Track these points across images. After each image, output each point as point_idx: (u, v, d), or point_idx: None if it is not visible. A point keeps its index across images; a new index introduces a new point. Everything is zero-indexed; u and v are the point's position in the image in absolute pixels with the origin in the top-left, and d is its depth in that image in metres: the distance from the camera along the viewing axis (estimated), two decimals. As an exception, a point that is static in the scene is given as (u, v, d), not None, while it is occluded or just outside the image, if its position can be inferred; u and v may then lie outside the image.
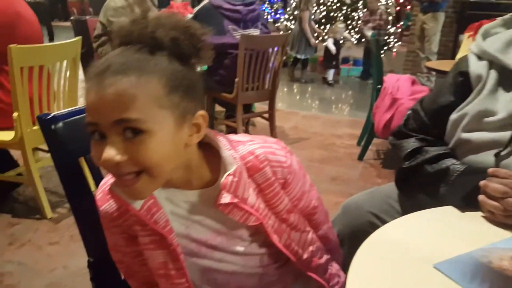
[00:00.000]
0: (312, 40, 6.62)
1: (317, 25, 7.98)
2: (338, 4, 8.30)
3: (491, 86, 1.01)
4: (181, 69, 0.66)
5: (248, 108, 3.69)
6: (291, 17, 8.39)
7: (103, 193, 0.78)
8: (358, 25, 7.99)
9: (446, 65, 3.34)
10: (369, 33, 6.81)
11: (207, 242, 0.82)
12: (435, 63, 4.05)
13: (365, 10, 7.80)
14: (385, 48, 8.08)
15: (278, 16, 9.08)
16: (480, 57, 1.07)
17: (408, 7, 8.77)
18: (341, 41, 6.99)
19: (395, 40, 8.48)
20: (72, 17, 5.64)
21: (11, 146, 2.27)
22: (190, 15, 3.58)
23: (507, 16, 1.10)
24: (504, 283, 0.69)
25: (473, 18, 3.58)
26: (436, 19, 5.98)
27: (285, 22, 8.65)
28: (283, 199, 0.82)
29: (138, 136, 0.62)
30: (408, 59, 7.13)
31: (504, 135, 0.97)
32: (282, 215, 0.83)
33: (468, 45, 3.02)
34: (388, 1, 8.33)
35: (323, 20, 8.35)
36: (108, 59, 0.63)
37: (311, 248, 0.90)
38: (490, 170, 0.90)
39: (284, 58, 3.45)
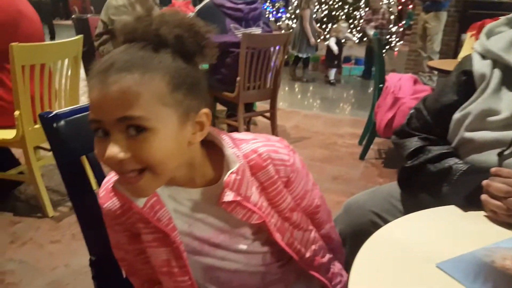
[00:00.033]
0: (312, 40, 6.61)
1: (318, 24, 7.97)
2: (340, 3, 8.29)
3: (495, 85, 1.01)
4: (184, 67, 0.66)
5: (249, 107, 3.69)
6: (293, 16, 8.39)
7: (106, 190, 0.78)
8: (360, 24, 7.98)
9: (448, 65, 3.33)
10: (371, 32, 6.80)
11: (210, 240, 0.82)
12: (437, 63, 4.04)
13: (367, 9, 7.79)
14: (387, 47, 8.07)
15: (279, 15, 9.07)
16: (483, 56, 1.07)
17: (410, 6, 8.76)
18: (343, 40, 6.98)
19: (397, 39, 8.47)
20: (73, 16, 5.65)
21: (12, 145, 2.27)
22: (191, 14, 3.58)
23: (511, 15, 1.10)
24: (507, 282, 0.69)
25: (476, 18, 3.57)
26: (438, 18, 5.97)
27: (286, 21, 8.65)
28: (286, 198, 0.82)
29: (141, 133, 0.62)
30: (410, 58, 7.12)
31: (507, 134, 0.97)
32: (285, 213, 0.83)
33: (471, 44, 3.03)
34: (390, 0, 8.32)
35: (324, 19, 8.34)
36: (112, 56, 0.63)
37: (313, 247, 0.90)
38: (493, 169, 0.90)
39: (286, 57, 3.44)
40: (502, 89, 1.01)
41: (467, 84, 1.07)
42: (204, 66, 2.64)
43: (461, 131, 1.05)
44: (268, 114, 3.56)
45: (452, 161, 1.03)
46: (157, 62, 0.63)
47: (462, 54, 3.21)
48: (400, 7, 9.26)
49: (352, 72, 7.74)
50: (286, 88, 6.52)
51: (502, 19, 1.11)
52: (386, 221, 1.18)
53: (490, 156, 0.98)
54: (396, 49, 8.58)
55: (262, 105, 4.04)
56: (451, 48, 6.84)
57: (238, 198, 0.74)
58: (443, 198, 1.01)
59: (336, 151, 3.61)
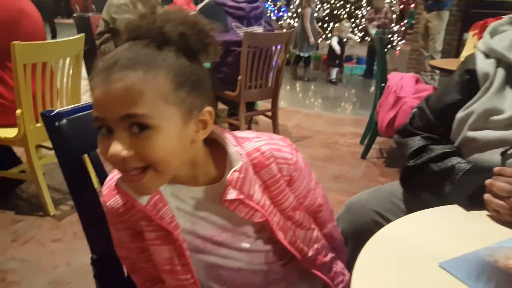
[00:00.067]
0: (312, 39, 6.60)
1: (320, 23, 7.96)
2: (341, 2, 8.28)
3: (499, 84, 1.00)
4: (188, 65, 0.66)
5: (251, 106, 3.68)
6: (294, 15, 8.38)
7: (109, 188, 0.78)
8: (362, 23, 7.97)
9: (450, 64, 3.33)
10: (373, 31, 6.79)
11: (213, 238, 0.82)
12: (439, 62, 4.04)
13: (369, 8, 7.78)
14: (389, 46, 8.06)
15: (281, 14, 9.07)
16: (487, 55, 1.06)
17: (412, 5, 8.74)
18: (344, 40, 6.97)
19: (399, 38, 8.46)
20: (75, 14, 5.64)
21: (14, 143, 2.27)
22: (193, 13, 3.58)
23: None
24: (510, 282, 0.69)
25: (478, 17, 3.57)
26: (440, 17, 5.96)
27: (288, 20, 8.64)
28: (289, 196, 0.82)
29: (144, 131, 0.62)
30: (412, 58, 7.11)
31: (511, 133, 0.96)
32: (288, 212, 0.83)
33: (473, 44, 3.03)
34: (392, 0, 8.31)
35: (326, 18, 8.33)
36: (116, 54, 0.63)
37: (316, 246, 0.90)
38: (496, 168, 0.90)
39: (287, 56, 3.44)
40: (506, 88, 1.01)
41: (470, 83, 1.06)
42: (206, 64, 2.65)
43: (464, 130, 1.04)
44: (269, 113, 3.55)
45: (454, 160, 1.02)
46: (161, 60, 0.63)
47: (464, 54, 3.21)
48: (402, 6, 9.25)
49: (353, 71, 7.74)
50: (288, 87, 6.52)
51: (505, 18, 1.10)
52: (388, 221, 1.18)
53: (493, 156, 0.97)
54: (398, 48, 8.57)
55: (263, 104, 4.04)
56: (453, 47, 6.83)
57: (241, 197, 0.74)
58: (446, 198, 1.00)
59: (338, 150, 3.61)
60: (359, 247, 0.77)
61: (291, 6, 8.69)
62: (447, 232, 0.85)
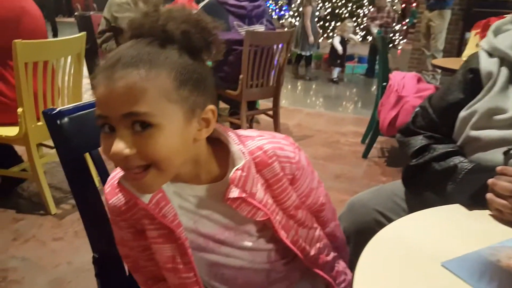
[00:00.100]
0: (311, 38, 6.59)
1: (322, 22, 7.95)
2: (343, 1, 8.27)
3: (502, 83, 1.00)
4: (191, 63, 0.66)
5: (252, 105, 3.68)
6: (296, 14, 8.38)
7: (111, 186, 0.78)
8: (364, 22, 7.96)
9: (452, 63, 3.32)
10: (375, 30, 6.78)
11: (215, 236, 0.82)
12: (441, 61, 4.03)
13: (370, 7, 7.77)
14: (390, 45, 8.05)
15: (282, 12, 9.06)
16: (491, 54, 1.06)
17: (414, 4, 8.73)
18: (346, 39, 6.96)
19: (400, 37, 8.45)
20: (76, 13, 5.65)
21: (15, 142, 2.26)
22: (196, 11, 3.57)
23: None
24: (513, 282, 0.69)
25: (480, 16, 3.56)
26: (442, 16, 5.95)
27: (289, 19, 8.64)
28: (291, 195, 0.82)
29: (147, 129, 0.62)
30: (414, 57, 7.10)
31: (514, 133, 0.96)
32: (290, 211, 0.83)
33: (475, 43, 3.02)
34: (394, -1, 8.31)
35: (328, 17, 8.33)
36: (119, 52, 0.63)
37: (318, 245, 0.90)
38: (498, 168, 0.90)
39: (288, 55, 3.44)
40: (509, 87, 1.01)
41: (473, 82, 1.06)
42: (208, 63, 2.64)
43: (467, 129, 1.04)
44: (271, 112, 3.55)
45: (457, 160, 1.02)
46: (164, 58, 0.63)
47: (466, 53, 3.20)
48: (403, 5, 9.24)
49: (355, 70, 7.73)
50: (289, 86, 6.51)
51: (509, 17, 1.10)
52: (389, 220, 1.18)
53: (496, 155, 0.97)
54: (399, 47, 8.56)
55: (264, 103, 4.04)
56: (455, 46, 6.82)
57: (243, 195, 0.74)
58: (448, 197, 1.00)
59: (339, 149, 3.60)
60: (360, 246, 0.76)
61: (293, 5, 8.69)
62: (449, 231, 0.85)
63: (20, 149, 2.53)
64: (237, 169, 0.73)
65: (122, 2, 3.47)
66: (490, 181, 0.89)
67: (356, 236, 1.22)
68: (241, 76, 3.05)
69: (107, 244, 0.92)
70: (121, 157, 0.62)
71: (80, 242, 2.08)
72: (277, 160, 0.78)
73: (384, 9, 6.93)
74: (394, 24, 7.57)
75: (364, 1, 8.24)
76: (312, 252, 0.89)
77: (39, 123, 2.20)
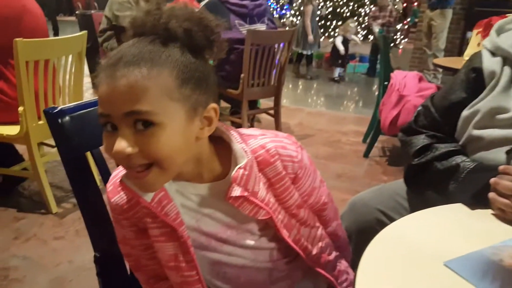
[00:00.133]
0: (310, 37, 6.58)
1: (323, 21, 7.94)
2: (344, 0, 8.26)
3: (505, 82, 1.00)
4: (193, 61, 0.66)
5: (253, 104, 3.68)
6: (297, 13, 8.37)
7: (114, 185, 0.78)
8: (365, 21, 7.95)
9: (453, 62, 3.32)
10: (376, 29, 6.77)
11: (217, 235, 0.82)
12: (442, 60, 4.02)
13: (371, 6, 7.75)
14: (392, 45, 8.04)
15: (284, 11, 9.06)
16: (493, 53, 1.06)
17: (415, 3, 8.72)
18: (348, 39, 6.95)
19: (402, 36, 8.44)
20: (77, 12, 5.65)
21: (16, 141, 2.27)
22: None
23: None
24: (516, 281, 0.68)
25: (481, 15, 3.55)
26: (444, 16, 5.94)
27: (290, 18, 8.63)
28: (293, 194, 0.82)
29: (149, 128, 0.62)
30: (415, 56, 7.10)
31: (517, 132, 0.96)
32: (292, 210, 0.83)
33: (476, 42, 3.01)
34: (396, -2, 8.30)
35: (329, 16, 8.32)
36: (121, 50, 0.63)
37: (320, 244, 0.90)
38: (501, 167, 0.89)
39: (289, 54, 3.44)
40: None
41: (476, 82, 1.06)
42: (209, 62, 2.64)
43: (469, 128, 1.04)
44: (272, 112, 3.55)
45: (459, 159, 1.02)
46: (166, 56, 0.63)
47: (468, 52, 3.19)
48: (405, 5, 9.23)
49: (356, 70, 7.73)
50: (290, 86, 6.51)
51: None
52: (391, 219, 1.18)
53: (498, 154, 0.97)
54: (400, 46, 8.55)
55: (266, 102, 4.03)
56: (456, 45, 6.82)
57: (246, 194, 0.74)
58: (450, 196, 1.00)
59: (340, 148, 3.60)
60: (362, 246, 0.76)
61: (294, 4, 8.68)
62: (451, 231, 0.84)
63: (21, 148, 2.53)
64: (239, 168, 0.73)
65: (123, 1, 3.47)
66: (492, 180, 0.89)
67: (358, 236, 1.22)
68: (242, 75, 3.05)
69: (108, 243, 0.92)
70: (123, 155, 0.62)
71: (81, 241, 2.08)
72: (280, 159, 0.78)
73: (386, 8, 6.91)
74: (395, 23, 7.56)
75: (366, 0, 8.23)
76: (314, 251, 0.88)
77: (40, 122, 2.20)
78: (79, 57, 2.40)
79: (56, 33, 11.38)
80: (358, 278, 0.68)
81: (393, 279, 0.68)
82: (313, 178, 0.85)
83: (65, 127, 0.85)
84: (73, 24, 7.15)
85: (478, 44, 3.00)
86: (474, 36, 3.13)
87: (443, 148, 1.06)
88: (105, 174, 0.93)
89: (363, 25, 8.15)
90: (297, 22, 7.86)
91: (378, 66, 6.78)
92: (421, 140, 1.12)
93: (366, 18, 8.02)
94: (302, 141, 3.74)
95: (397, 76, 2.97)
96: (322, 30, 8.14)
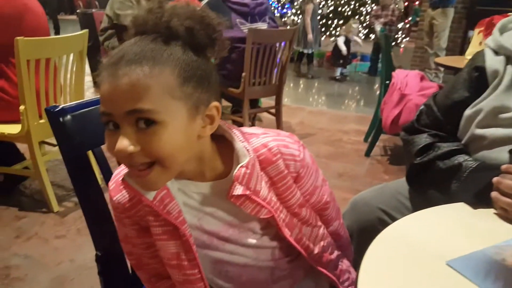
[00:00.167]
0: (310, 35, 6.57)
1: (324, 20, 7.93)
2: (346, -1, 8.27)
3: (508, 81, 0.99)
4: (195, 59, 0.66)
5: (254, 103, 3.67)
6: (298, 12, 8.36)
7: (116, 183, 0.78)
8: (366, 20, 7.93)
9: (455, 61, 3.32)
10: (378, 28, 6.76)
11: (219, 234, 0.82)
12: (444, 59, 4.02)
13: (373, 4, 7.74)
14: (393, 44, 8.03)
15: (285, 10, 9.05)
16: (496, 52, 1.05)
17: (417, 2, 8.71)
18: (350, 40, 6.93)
19: (403, 35, 8.43)
20: (78, 10, 5.65)
21: (17, 140, 2.27)
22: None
23: None
24: (519, 281, 0.68)
25: (483, 14, 3.54)
26: (445, 14, 5.93)
27: (292, 17, 8.63)
28: (295, 193, 0.82)
29: (151, 127, 0.62)
30: (416, 55, 7.09)
31: (519, 131, 0.95)
32: (294, 209, 0.83)
33: (478, 41, 3.00)
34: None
35: (330, 15, 8.31)
36: (123, 49, 0.63)
37: (322, 243, 0.90)
38: (503, 166, 0.89)
39: (291, 53, 3.44)
40: None
41: (479, 81, 1.05)
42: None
43: (472, 127, 1.03)
44: (273, 111, 3.55)
45: (462, 158, 1.02)
46: (167, 55, 0.63)
47: (469, 51, 3.19)
48: (406, 3, 9.22)
49: (357, 69, 7.71)
50: (291, 84, 6.51)
51: None
52: (393, 218, 1.17)
53: (501, 153, 0.96)
54: (402, 45, 8.53)
55: (267, 101, 4.04)
56: (458, 44, 6.80)
57: (247, 192, 0.74)
58: (452, 195, 1.00)
59: (342, 147, 3.60)
60: (363, 245, 0.76)
61: (295, 3, 8.67)
62: (454, 230, 0.84)
63: (22, 147, 2.53)
64: (241, 166, 0.73)
65: (124, 0, 3.47)
66: (495, 179, 0.88)
67: (359, 235, 1.21)
68: (243, 74, 3.04)
69: (110, 242, 0.92)
70: (126, 154, 0.62)
71: (83, 240, 2.09)
72: (282, 158, 0.77)
73: (388, 7, 6.90)
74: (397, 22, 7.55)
75: (367, -1, 8.23)
76: (316, 251, 0.88)
77: (42, 121, 2.20)
78: (80, 56, 2.40)
79: (57, 32, 11.39)
80: (360, 278, 0.67)
81: (395, 278, 0.68)
82: (315, 177, 0.85)
83: (66, 125, 0.85)
84: (74, 23, 7.15)
85: (480, 43, 2.99)
86: (475, 35, 3.13)
87: (445, 147, 1.06)
88: (107, 173, 0.93)
89: (364, 24, 8.13)
90: (298, 21, 7.85)
91: (379, 65, 6.77)
92: (423, 139, 1.11)
93: (368, 17, 8.00)
94: (303, 140, 3.74)
95: (398, 75, 2.97)
96: (323, 29, 8.12)
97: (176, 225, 0.75)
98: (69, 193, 2.55)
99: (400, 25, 8.12)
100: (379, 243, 0.78)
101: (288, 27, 7.40)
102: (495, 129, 0.99)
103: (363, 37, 7.97)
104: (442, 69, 6.06)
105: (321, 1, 8.18)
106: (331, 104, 5.39)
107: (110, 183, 0.80)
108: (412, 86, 2.80)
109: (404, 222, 0.86)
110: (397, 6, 7.50)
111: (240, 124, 3.28)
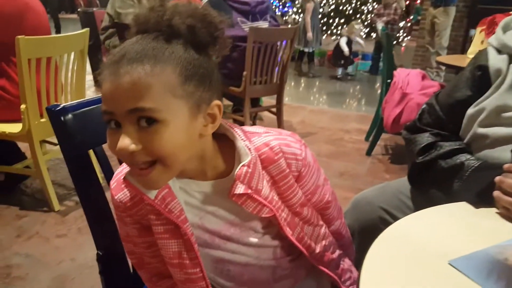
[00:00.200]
0: (309, 34, 6.56)
1: (325, 19, 7.91)
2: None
3: (511, 80, 0.99)
4: (196, 58, 0.66)
5: (255, 102, 3.67)
6: (299, 10, 8.35)
7: (117, 182, 0.78)
8: (368, 19, 7.91)
9: (456, 60, 3.31)
10: (379, 26, 6.75)
11: (221, 233, 0.82)
12: (445, 58, 4.02)
13: (374, 3, 7.72)
14: (394, 42, 8.01)
15: (286, 9, 9.04)
16: (499, 51, 1.05)
17: (418, 1, 8.70)
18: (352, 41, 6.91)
19: (404, 34, 8.41)
20: (79, 9, 5.65)
21: (18, 139, 2.27)
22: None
23: None
24: (521, 280, 0.68)
25: (485, 13, 3.54)
26: (447, 13, 5.92)
27: (293, 15, 8.62)
28: (297, 192, 0.81)
29: (152, 125, 0.61)
30: (418, 54, 7.08)
31: (522, 130, 0.95)
32: (295, 208, 0.83)
33: (480, 40, 3.00)
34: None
35: (332, 14, 8.30)
36: (124, 48, 0.63)
37: (324, 243, 0.90)
38: (506, 165, 0.89)
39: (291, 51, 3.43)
40: None
41: (481, 80, 1.05)
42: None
43: (474, 126, 1.03)
44: (274, 109, 3.55)
45: (464, 157, 1.01)
46: (169, 53, 0.63)
47: (471, 50, 3.19)
48: (407, 2, 9.20)
49: (359, 68, 7.70)
50: (292, 83, 6.51)
51: None
52: (394, 218, 1.17)
53: (503, 152, 0.96)
54: (403, 44, 8.52)
55: (268, 100, 4.03)
56: (459, 43, 6.79)
57: (249, 191, 0.74)
58: (454, 195, 0.99)
59: (343, 146, 3.60)
60: (365, 244, 0.76)
61: (296, 1, 8.66)
62: (456, 229, 0.84)
63: (23, 146, 2.53)
64: (243, 165, 0.72)
65: (125, -2, 3.47)
66: (497, 178, 0.88)
67: (361, 234, 1.21)
68: (244, 73, 3.04)
69: (111, 241, 0.92)
70: (127, 152, 0.62)
71: (84, 239, 2.09)
72: (283, 157, 0.77)
73: (391, 5, 6.89)
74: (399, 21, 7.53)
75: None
76: (318, 250, 0.88)
77: (43, 120, 2.20)
78: (81, 54, 2.40)
79: (58, 31, 11.39)
80: (362, 277, 0.67)
81: (397, 278, 0.68)
82: (316, 176, 0.85)
83: (67, 124, 0.85)
84: (75, 22, 7.15)
85: (482, 42, 2.99)
86: (477, 34, 3.12)
87: (447, 146, 1.06)
88: (108, 172, 0.93)
89: (365, 23, 8.12)
90: (300, 19, 7.84)
91: (381, 64, 6.75)
92: (425, 138, 1.11)
93: (369, 15, 7.99)
94: (305, 139, 3.71)
95: (400, 74, 2.97)
96: (324, 28, 8.11)
97: (177, 224, 0.75)
98: (70, 192, 2.55)
99: (401, 24, 8.11)
100: (381, 242, 0.77)
101: (289, 25, 7.39)
102: (497, 128, 0.98)
103: (364, 36, 7.95)
104: (443, 68, 6.05)
105: (322, 0, 8.17)
106: (332, 103, 5.38)
107: (111, 182, 0.80)
108: (413, 85, 2.79)
109: (406, 221, 0.86)
110: (399, 4, 7.49)
111: (241, 123, 3.28)
